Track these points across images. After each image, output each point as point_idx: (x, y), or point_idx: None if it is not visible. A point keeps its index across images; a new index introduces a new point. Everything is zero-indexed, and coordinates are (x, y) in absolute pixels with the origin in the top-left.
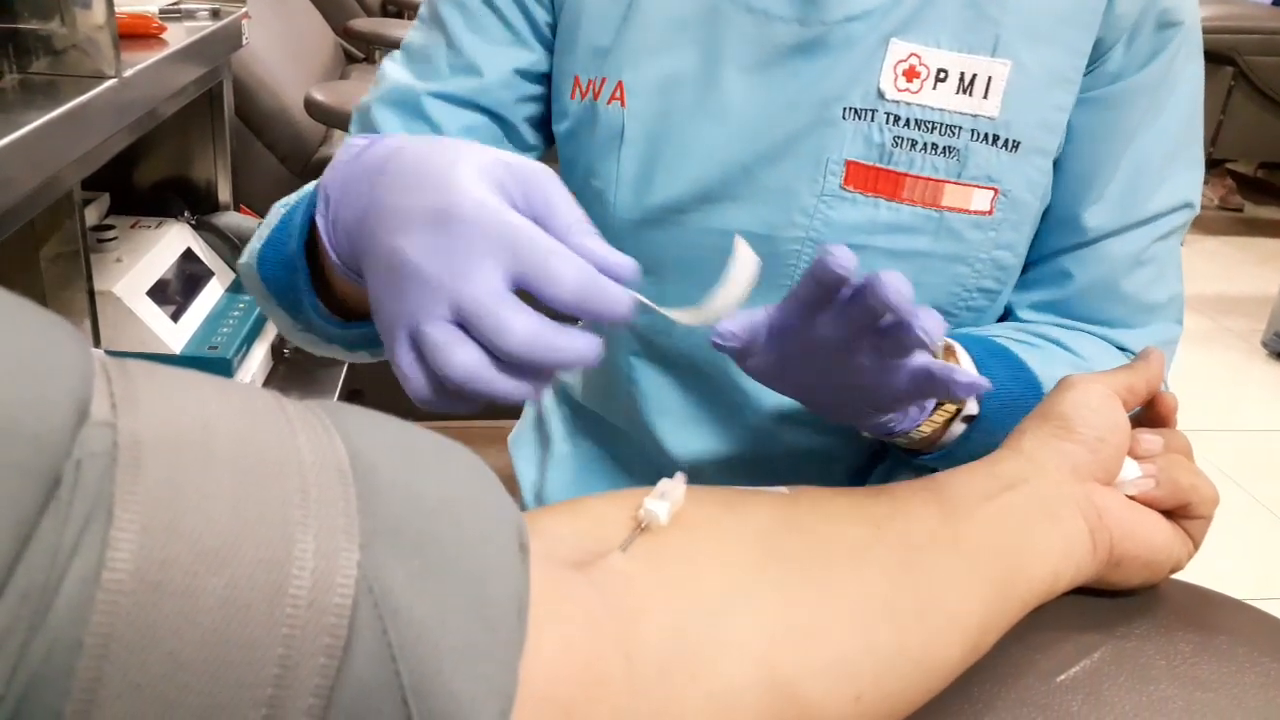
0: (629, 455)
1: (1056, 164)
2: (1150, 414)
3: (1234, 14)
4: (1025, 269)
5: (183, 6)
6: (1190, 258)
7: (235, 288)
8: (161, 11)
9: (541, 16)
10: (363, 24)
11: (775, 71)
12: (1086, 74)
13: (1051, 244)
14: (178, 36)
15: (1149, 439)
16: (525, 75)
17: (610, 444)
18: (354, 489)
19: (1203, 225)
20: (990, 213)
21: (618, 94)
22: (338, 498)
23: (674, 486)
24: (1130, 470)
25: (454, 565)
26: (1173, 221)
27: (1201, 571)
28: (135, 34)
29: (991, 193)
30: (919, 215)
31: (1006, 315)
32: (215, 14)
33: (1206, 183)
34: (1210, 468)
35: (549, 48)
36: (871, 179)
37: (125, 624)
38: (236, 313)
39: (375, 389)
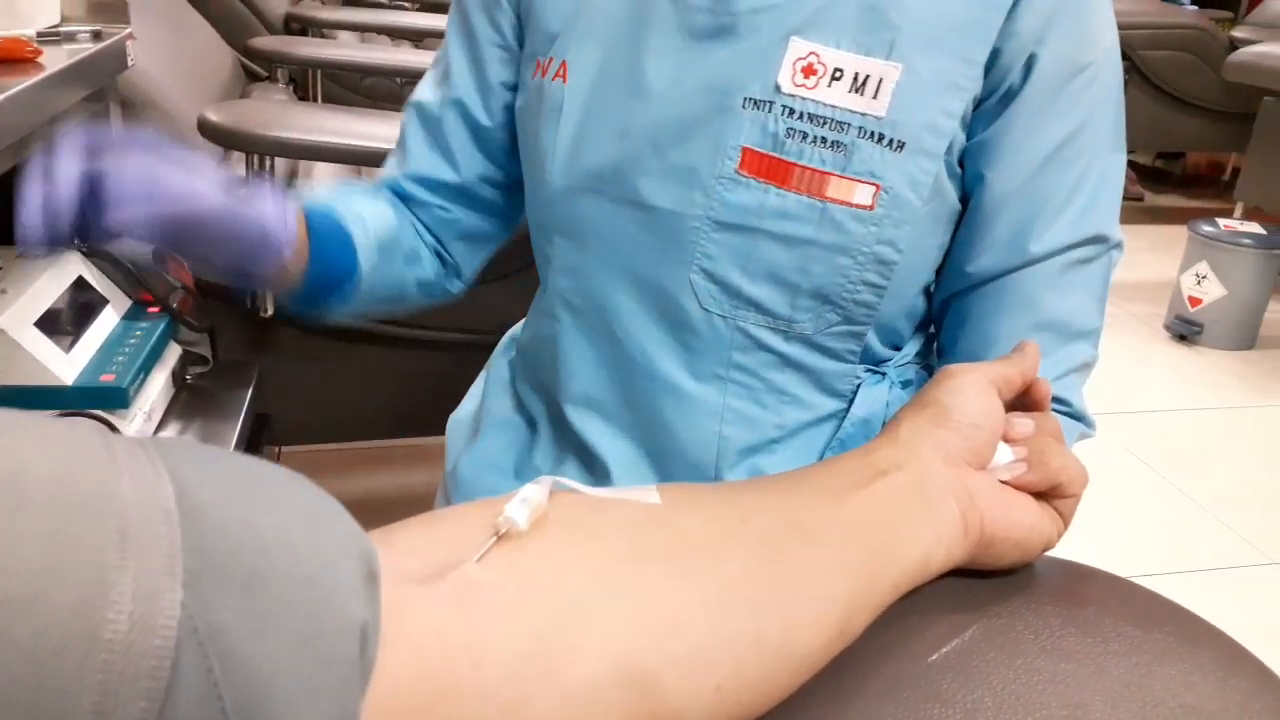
0: (545, 439)
1: (961, 215)
2: (1025, 399)
3: (1125, 10)
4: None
5: (62, 29)
6: None
7: (131, 315)
8: (40, 35)
9: (508, 21)
10: (265, 42)
11: (689, 57)
12: (985, 86)
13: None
14: (57, 59)
15: (1021, 422)
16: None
17: (531, 429)
18: (179, 528)
19: None
20: (872, 207)
21: (561, 71)
22: (161, 537)
23: (537, 491)
24: (1004, 455)
25: (288, 601)
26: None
27: (1111, 548)
28: (9, 58)
29: (873, 188)
30: (804, 204)
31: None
32: (97, 35)
33: None
34: (1118, 448)
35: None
36: (765, 166)
37: None
38: (133, 340)
39: (283, 413)
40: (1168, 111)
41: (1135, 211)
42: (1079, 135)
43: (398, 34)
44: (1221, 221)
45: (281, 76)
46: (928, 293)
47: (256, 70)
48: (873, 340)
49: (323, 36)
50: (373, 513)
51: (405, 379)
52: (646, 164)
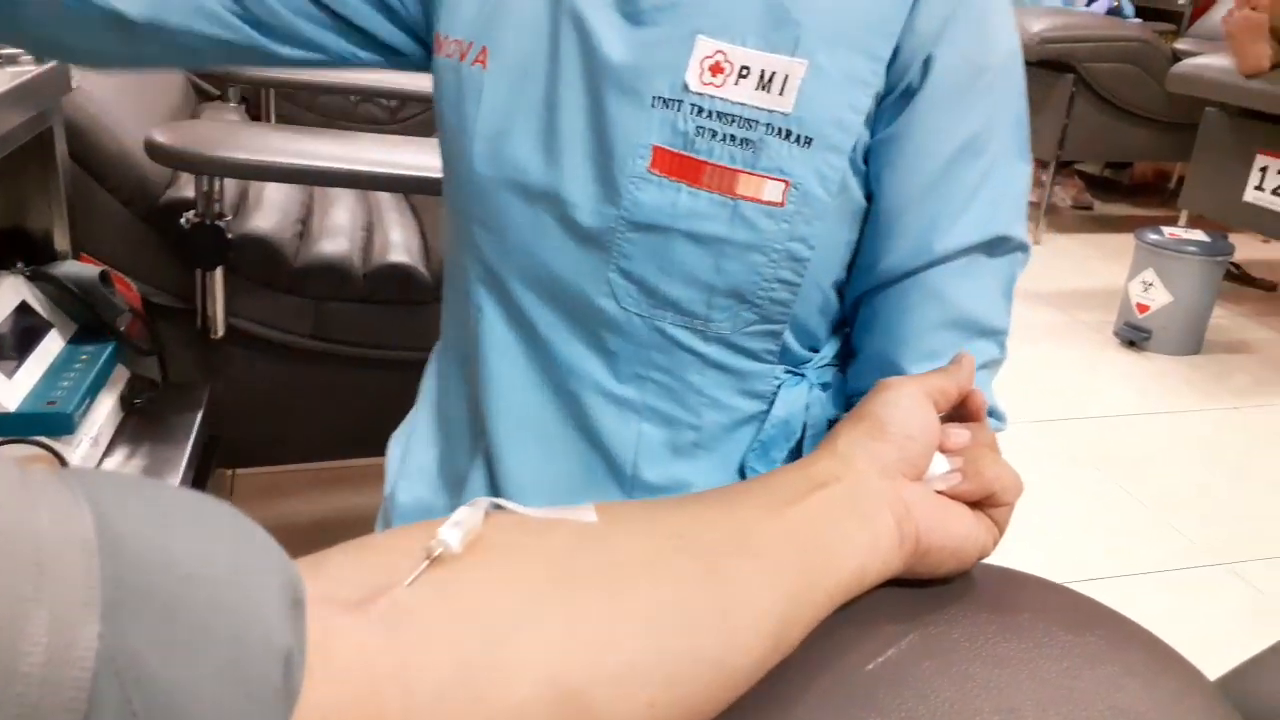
0: (470, 449)
1: (866, 213)
2: (961, 411)
3: (1071, 24)
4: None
5: (3, 52)
6: (1046, 256)
7: (77, 339)
8: None
9: None
10: None
11: (600, 57)
12: (886, 83)
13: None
14: None
15: (957, 433)
16: None
17: (458, 441)
18: (98, 558)
19: (1057, 224)
20: (782, 204)
21: (481, 57)
22: (78, 569)
23: (471, 513)
24: (939, 465)
25: (208, 630)
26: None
27: (1063, 552)
28: None
29: (783, 185)
30: (715, 202)
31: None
32: (39, 58)
33: (1058, 184)
34: (1069, 453)
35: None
36: (675, 165)
37: None
38: (79, 365)
39: (236, 435)
40: (1114, 122)
41: (1085, 220)
42: (981, 137)
43: None
44: (1167, 230)
45: (233, 95)
46: (840, 292)
47: (208, 89)
48: (790, 340)
49: None
50: (330, 534)
51: (360, 398)
52: (568, 162)
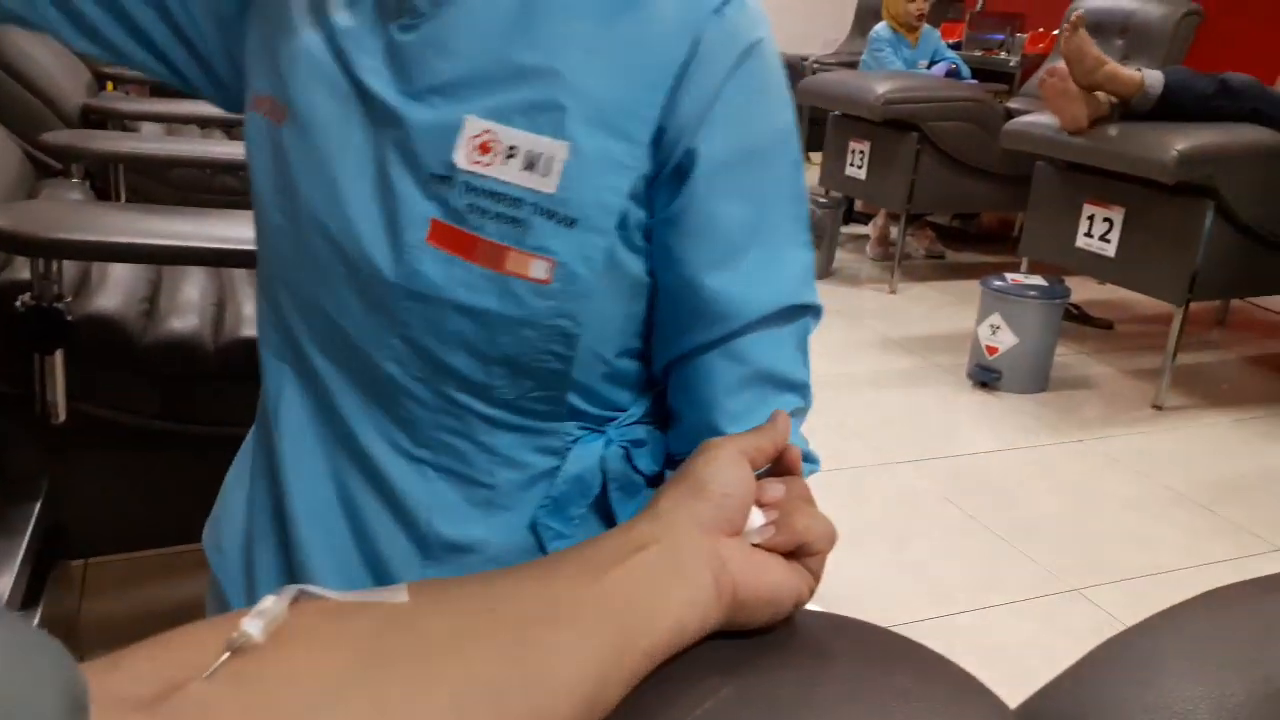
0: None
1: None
2: (778, 466)
3: (913, 85)
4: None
5: None
6: (901, 304)
7: None
8: None
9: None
10: (59, 136)
11: (383, 132)
12: (654, 163)
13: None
14: None
15: (772, 488)
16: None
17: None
18: None
19: (911, 273)
20: (548, 281)
21: (280, 113)
22: None
23: (277, 602)
24: (756, 519)
25: None
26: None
27: (931, 587)
28: None
29: (548, 263)
30: (486, 276)
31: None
32: None
33: (911, 235)
34: (930, 492)
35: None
36: (451, 239)
37: None
38: None
39: (84, 524)
40: (957, 176)
41: (937, 269)
42: (759, 214)
43: (207, 123)
44: (1010, 276)
45: (77, 172)
46: (642, 358)
47: (52, 165)
48: (578, 402)
49: (124, 128)
50: (190, 620)
51: (216, 479)
52: (363, 228)
